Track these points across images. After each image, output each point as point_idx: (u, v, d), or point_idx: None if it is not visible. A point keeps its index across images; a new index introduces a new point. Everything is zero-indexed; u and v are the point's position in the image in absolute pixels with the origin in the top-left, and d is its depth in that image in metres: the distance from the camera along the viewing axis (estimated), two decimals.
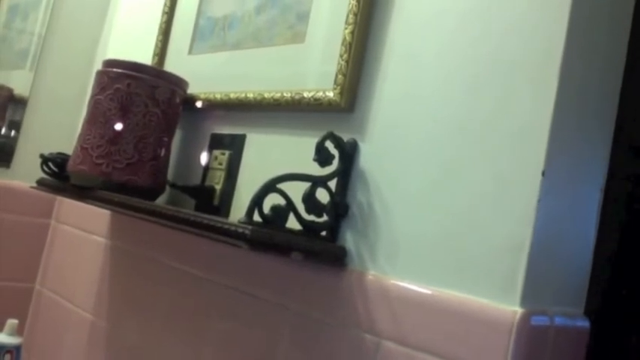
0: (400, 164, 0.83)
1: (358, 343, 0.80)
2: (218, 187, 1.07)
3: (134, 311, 1.20)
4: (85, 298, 1.33)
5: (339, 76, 0.90)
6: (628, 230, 0.84)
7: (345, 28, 0.90)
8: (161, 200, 1.14)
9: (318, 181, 0.85)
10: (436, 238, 0.77)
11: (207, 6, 1.22)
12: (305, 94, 0.94)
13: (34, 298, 1.50)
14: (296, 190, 0.82)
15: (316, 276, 0.88)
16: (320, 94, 0.92)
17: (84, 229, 1.41)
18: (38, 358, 1.42)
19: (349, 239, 0.87)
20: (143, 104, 1.05)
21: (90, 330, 1.29)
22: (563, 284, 0.78)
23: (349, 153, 0.88)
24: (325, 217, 0.86)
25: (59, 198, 1.52)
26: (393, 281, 0.79)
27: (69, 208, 1.48)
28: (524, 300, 0.69)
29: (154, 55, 1.30)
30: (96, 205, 1.06)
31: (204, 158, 1.13)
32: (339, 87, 0.89)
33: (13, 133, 1.62)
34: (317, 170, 0.85)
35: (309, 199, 0.84)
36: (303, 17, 1.00)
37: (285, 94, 0.97)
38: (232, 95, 1.07)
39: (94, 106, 1.06)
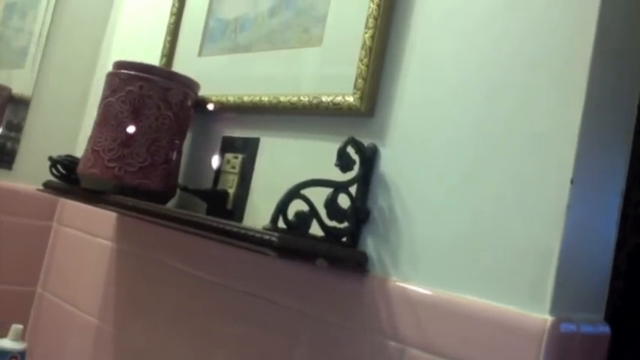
0: (421, 169, 0.83)
1: (382, 349, 0.80)
2: (231, 190, 1.06)
3: (141, 315, 1.19)
4: (90, 302, 1.31)
5: (359, 81, 0.89)
6: None
7: (365, 32, 0.90)
8: (171, 204, 1.13)
9: (340, 187, 0.84)
10: (459, 244, 0.77)
11: (218, 7, 1.21)
12: (323, 99, 0.93)
13: (36, 301, 1.48)
14: (317, 196, 0.81)
15: (337, 282, 0.87)
16: (339, 98, 0.91)
17: (88, 231, 1.39)
18: None
19: (370, 245, 0.86)
20: (155, 107, 1.04)
21: (95, 334, 1.27)
22: (585, 290, 0.78)
23: (369, 158, 0.88)
24: (346, 223, 0.86)
25: (62, 200, 1.49)
26: (416, 287, 0.79)
27: (72, 210, 1.46)
28: (554, 307, 0.69)
29: (162, 56, 1.28)
30: (107, 209, 1.05)
31: (215, 161, 1.12)
32: (359, 91, 0.89)
33: (13, 133, 1.60)
34: (336, 175, 0.85)
35: (332, 204, 0.83)
36: (320, 20, 0.99)
37: (302, 98, 0.96)
38: (246, 98, 1.06)
39: (106, 108, 1.04)
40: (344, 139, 0.89)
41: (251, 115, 1.07)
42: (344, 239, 0.86)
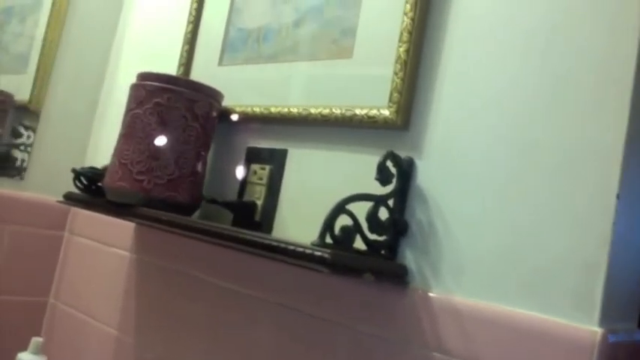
0: (460, 181, 0.84)
1: None
2: (259, 202, 1.06)
3: (165, 326, 1.18)
4: (108, 313, 1.30)
5: (395, 94, 0.90)
6: None
7: (400, 46, 0.91)
8: (194, 215, 1.13)
9: (380, 200, 0.85)
10: (502, 256, 0.78)
11: (238, 17, 1.20)
12: (357, 111, 0.94)
13: (48, 312, 1.46)
14: (355, 209, 0.82)
15: (377, 293, 0.88)
16: (374, 111, 0.92)
17: (102, 241, 1.38)
18: None
19: (409, 257, 0.87)
20: (183, 118, 1.04)
21: (115, 345, 1.26)
22: (623, 300, 0.80)
23: (406, 171, 0.89)
24: (384, 236, 0.86)
25: (73, 210, 1.48)
26: (460, 299, 0.80)
27: (84, 220, 1.44)
28: (602, 319, 0.70)
29: (180, 65, 1.27)
30: (133, 222, 1.04)
31: (240, 172, 1.11)
32: (395, 105, 0.90)
33: (17, 140, 1.57)
34: (370, 187, 0.85)
35: (374, 218, 0.84)
36: (349, 33, 1.00)
37: (334, 110, 0.97)
38: (273, 109, 1.06)
39: (132, 120, 1.04)
40: (378, 151, 0.90)
41: (276, 126, 1.08)
42: (382, 252, 0.87)
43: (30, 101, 1.59)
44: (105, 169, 1.16)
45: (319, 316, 0.94)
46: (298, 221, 1.01)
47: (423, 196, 0.88)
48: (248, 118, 1.11)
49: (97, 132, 1.55)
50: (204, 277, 1.14)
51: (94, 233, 1.41)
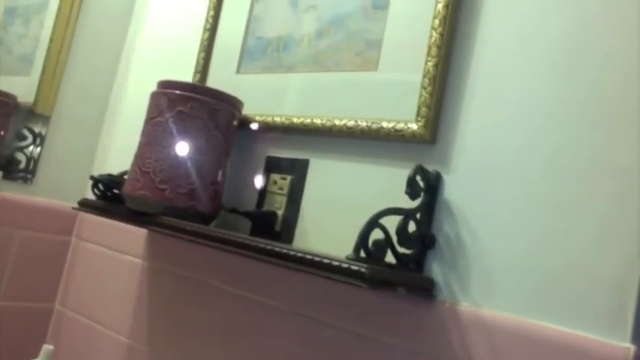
0: (488, 196, 0.85)
1: None
2: (280, 212, 1.06)
3: (179, 334, 1.17)
4: (119, 320, 1.29)
5: (423, 109, 0.91)
6: None
7: (429, 61, 0.91)
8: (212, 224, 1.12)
9: (409, 214, 0.86)
10: (531, 270, 0.79)
11: (257, 26, 1.20)
12: (384, 124, 0.94)
13: (54, 318, 1.44)
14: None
15: (405, 306, 0.88)
16: (401, 125, 0.93)
17: (112, 247, 1.37)
18: None
19: (436, 270, 0.88)
20: (205, 128, 1.03)
21: (127, 353, 1.25)
22: None
23: (434, 185, 0.89)
24: (412, 249, 0.87)
25: (80, 215, 1.46)
26: (489, 312, 0.81)
27: (92, 226, 1.43)
28: (635, 336, 0.72)
29: (196, 72, 1.27)
30: (154, 231, 1.03)
31: (259, 181, 1.11)
32: (423, 119, 0.90)
33: (23, 143, 1.55)
34: (395, 200, 0.86)
35: (403, 231, 0.85)
36: (374, 45, 1.00)
37: (359, 123, 0.97)
38: (295, 119, 1.06)
39: (154, 128, 1.03)
40: (404, 164, 0.92)
41: (298, 136, 1.08)
42: (409, 265, 0.87)
43: (35, 104, 1.58)
44: (121, 175, 1.15)
45: (340, 326, 0.94)
46: (320, 232, 1.02)
47: (450, 210, 0.88)
48: (268, 128, 1.11)
49: (105, 137, 1.53)
50: (219, 284, 1.13)
51: (103, 239, 1.40)
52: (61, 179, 1.45)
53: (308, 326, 0.98)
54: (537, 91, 0.83)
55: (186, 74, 1.30)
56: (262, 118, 1.12)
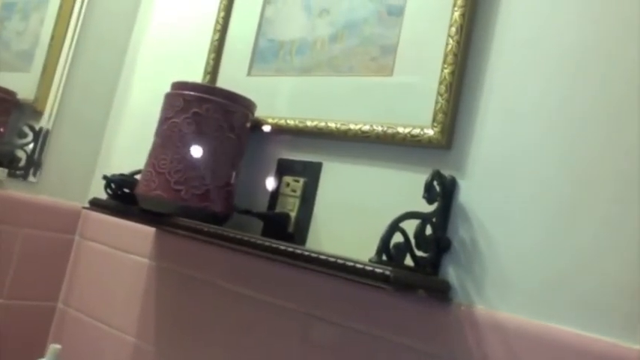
0: (503, 201, 0.87)
1: None
2: (293, 214, 1.07)
3: (186, 334, 1.18)
4: (124, 320, 1.29)
5: (440, 115, 0.92)
6: None
7: (445, 68, 0.93)
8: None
9: (426, 218, 0.87)
10: (546, 275, 0.81)
11: (268, 28, 1.21)
12: (400, 130, 0.96)
13: (57, 317, 1.44)
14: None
15: (420, 308, 0.90)
16: (417, 130, 0.94)
17: (116, 247, 1.37)
18: None
19: (451, 273, 0.90)
20: (220, 129, 1.04)
21: (133, 352, 1.25)
22: None
23: (449, 189, 0.91)
24: (428, 253, 0.89)
25: (84, 214, 1.46)
26: (505, 315, 0.83)
27: (96, 225, 1.43)
28: None
29: (206, 73, 1.27)
30: (167, 231, 1.04)
31: (270, 183, 1.12)
32: (439, 125, 0.92)
33: (23, 140, 1.54)
34: (409, 204, 0.88)
35: (421, 235, 0.86)
36: (389, 50, 1.02)
37: (375, 127, 0.99)
38: (309, 123, 1.07)
39: (169, 129, 1.04)
40: (419, 169, 0.94)
41: (311, 139, 1.09)
42: (426, 268, 0.89)
43: (36, 101, 1.57)
44: (132, 175, 1.15)
45: (352, 327, 0.96)
46: (333, 235, 1.03)
47: (465, 215, 0.90)
48: (280, 130, 1.12)
49: (110, 136, 1.53)
50: (227, 285, 1.14)
51: (107, 238, 1.40)
52: (65, 178, 1.45)
53: (319, 327, 1.00)
54: (551, 98, 0.86)
55: (194, 75, 1.30)
56: (275, 121, 1.13)
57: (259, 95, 1.16)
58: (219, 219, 1.06)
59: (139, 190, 1.05)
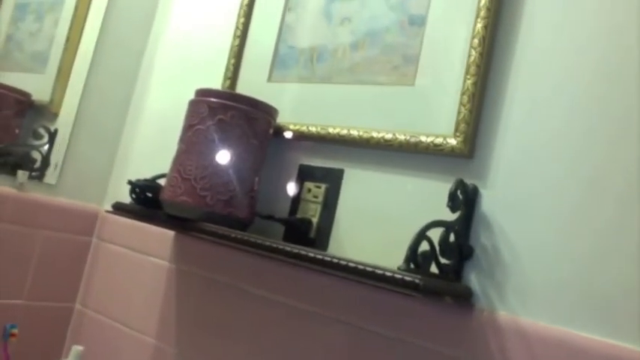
0: (525, 209, 0.89)
1: None
2: (314, 219, 1.09)
3: (210, 336, 1.20)
4: (145, 321, 1.31)
5: (462, 125, 0.95)
6: None
7: (468, 79, 0.95)
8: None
9: (450, 226, 0.90)
10: (567, 280, 0.83)
11: (289, 35, 1.23)
12: (422, 139, 0.98)
13: (74, 318, 1.46)
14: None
15: (443, 313, 0.92)
16: (440, 139, 0.96)
17: (136, 249, 1.39)
18: None
19: (473, 280, 0.92)
20: (245, 136, 1.06)
21: (153, 354, 1.27)
22: None
23: (471, 198, 0.93)
24: (451, 260, 0.91)
25: (101, 216, 1.48)
26: (526, 320, 0.85)
27: (114, 227, 1.44)
28: None
29: (225, 78, 1.29)
30: (190, 236, 1.06)
31: (291, 189, 1.14)
32: (462, 135, 0.94)
33: (38, 142, 1.55)
34: (433, 210, 0.92)
35: (445, 243, 0.89)
36: (411, 60, 1.04)
37: (398, 136, 1.01)
38: (331, 130, 1.09)
39: (195, 135, 1.05)
40: (441, 177, 0.96)
41: (333, 146, 1.11)
42: (449, 275, 0.92)
43: (51, 103, 1.58)
44: (154, 179, 1.17)
45: (376, 330, 0.98)
46: (355, 240, 1.05)
47: (487, 222, 0.93)
48: (302, 136, 1.14)
49: (127, 138, 1.55)
50: (250, 288, 1.16)
51: (125, 240, 1.42)
52: (83, 180, 1.47)
53: (343, 330, 1.02)
54: (576, 110, 0.88)
55: (213, 79, 1.32)
56: (296, 127, 1.14)
57: (280, 101, 1.18)
58: (242, 224, 1.08)
59: (165, 195, 1.07)
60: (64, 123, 1.54)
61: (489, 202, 0.93)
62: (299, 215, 1.11)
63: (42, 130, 1.57)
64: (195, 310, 1.24)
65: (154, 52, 1.56)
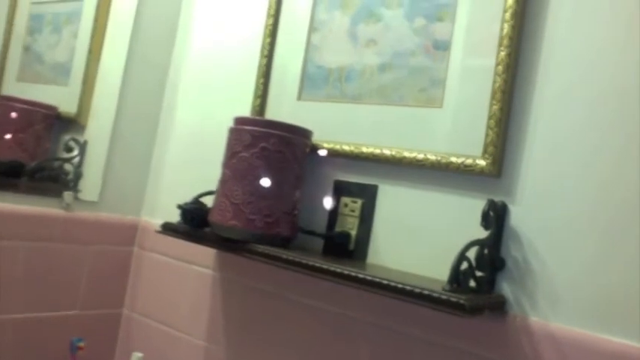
0: (552, 222, 0.98)
1: None
2: (353, 232, 1.18)
3: (257, 340, 1.31)
4: (192, 325, 1.42)
5: (490, 147, 1.03)
6: None
7: (494, 104, 1.03)
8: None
9: (485, 243, 0.99)
10: (593, 289, 0.94)
11: (316, 55, 1.30)
12: (453, 159, 1.07)
13: (123, 323, 1.56)
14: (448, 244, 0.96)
15: (482, 319, 1.03)
16: (470, 160, 1.05)
17: (177, 257, 1.48)
18: None
19: (506, 288, 1.02)
20: (286, 160, 1.14)
21: (205, 355, 1.38)
22: None
23: (501, 214, 1.03)
24: (485, 272, 1.01)
25: (141, 227, 1.57)
26: (557, 325, 0.96)
27: (153, 236, 1.53)
28: None
29: (256, 97, 1.36)
30: (243, 256, 1.15)
31: (328, 203, 1.23)
32: (490, 157, 1.03)
33: (70, 154, 1.62)
34: (463, 225, 1.04)
35: (481, 258, 0.99)
36: (438, 83, 1.12)
37: (429, 156, 1.09)
38: (365, 149, 1.17)
39: (239, 163, 1.13)
40: (471, 194, 1.06)
41: (367, 163, 1.19)
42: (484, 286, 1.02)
43: (78, 115, 1.64)
44: (197, 198, 1.26)
45: (417, 335, 1.09)
46: (391, 251, 1.15)
47: (516, 236, 1.02)
48: (336, 154, 1.22)
49: (158, 153, 1.63)
50: (293, 296, 1.26)
51: (165, 249, 1.51)
52: (121, 194, 1.55)
53: (383, 335, 1.13)
54: (598, 133, 0.96)
55: (242, 98, 1.40)
56: (330, 145, 1.22)
57: (311, 119, 1.25)
58: (286, 240, 1.17)
59: (214, 218, 1.15)
60: (93, 135, 1.61)
61: (517, 218, 1.03)
62: (338, 228, 1.20)
63: (72, 143, 1.64)
64: (240, 315, 1.34)
65: (178, 68, 1.62)
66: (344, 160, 1.23)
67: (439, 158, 1.08)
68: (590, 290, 0.94)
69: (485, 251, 1.00)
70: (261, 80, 1.36)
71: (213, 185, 1.21)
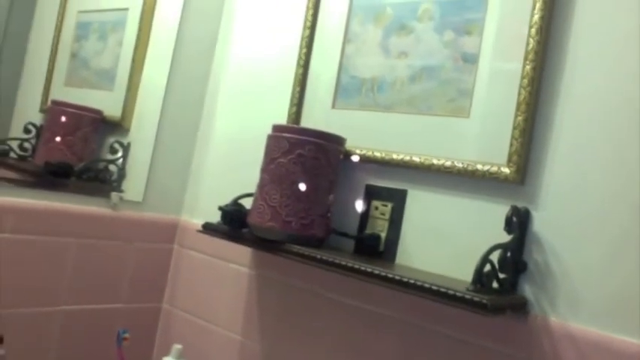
0: (573, 228, 1.04)
1: None
2: (383, 235, 1.25)
3: (292, 335, 1.39)
4: (229, 320, 1.50)
5: (515, 156, 1.09)
6: None
7: (518, 115, 1.09)
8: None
9: (508, 247, 1.05)
10: (613, 291, 0.99)
11: (350, 65, 1.37)
12: (479, 167, 1.13)
13: (163, 316, 1.66)
14: (470, 248, 1.02)
15: (504, 319, 1.09)
16: (495, 168, 1.11)
17: (215, 255, 1.57)
18: None
19: (527, 290, 1.08)
20: (320, 166, 1.22)
21: (240, 349, 1.47)
22: None
23: (524, 219, 1.09)
24: (508, 274, 1.07)
25: (181, 225, 1.66)
26: (576, 326, 1.01)
27: (192, 234, 1.62)
28: None
29: (292, 105, 1.44)
30: (279, 256, 1.23)
31: (359, 207, 1.30)
32: (514, 165, 1.09)
33: (114, 156, 1.72)
34: (488, 229, 1.09)
35: (504, 261, 1.05)
36: (466, 94, 1.18)
37: (456, 164, 1.16)
38: (395, 156, 1.24)
39: (277, 168, 1.21)
40: (495, 199, 1.12)
41: (397, 169, 1.26)
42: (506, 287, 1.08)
43: (122, 119, 1.74)
44: (236, 200, 1.34)
45: (444, 332, 1.15)
46: (419, 252, 1.21)
47: (538, 240, 1.08)
48: (367, 160, 1.29)
49: (198, 156, 1.72)
50: (329, 294, 1.34)
51: (204, 247, 1.60)
52: (163, 195, 1.65)
53: (413, 331, 1.19)
54: (619, 145, 1.01)
55: (279, 106, 1.48)
56: (362, 152, 1.30)
57: (344, 126, 1.33)
58: (320, 241, 1.24)
59: (253, 220, 1.23)
60: (136, 138, 1.70)
61: (540, 223, 1.08)
62: (368, 230, 1.27)
63: (117, 145, 1.74)
64: (277, 311, 1.42)
65: (218, 78, 1.72)
66: (375, 166, 1.30)
67: (465, 166, 1.15)
68: (608, 292, 0.99)
69: (508, 254, 1.06)
70: (297, 89, 1.44)
71: (249, 188, 1.29)
